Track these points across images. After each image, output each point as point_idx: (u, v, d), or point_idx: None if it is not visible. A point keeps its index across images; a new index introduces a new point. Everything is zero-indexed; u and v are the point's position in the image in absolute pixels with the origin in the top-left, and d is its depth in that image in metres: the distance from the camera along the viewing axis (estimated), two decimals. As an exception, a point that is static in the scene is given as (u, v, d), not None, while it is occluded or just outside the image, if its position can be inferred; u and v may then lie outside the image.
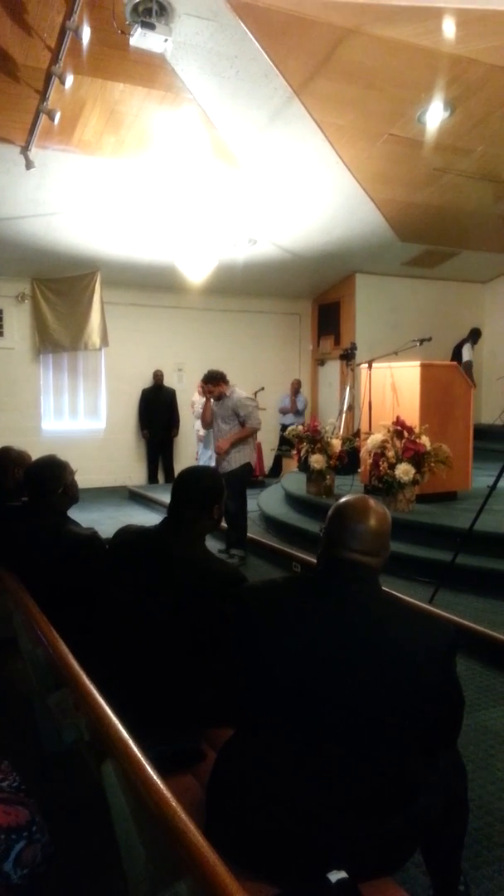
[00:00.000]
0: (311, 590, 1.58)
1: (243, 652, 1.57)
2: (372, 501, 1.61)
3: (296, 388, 10.35)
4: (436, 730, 1.53)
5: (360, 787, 1.41)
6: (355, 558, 1.53)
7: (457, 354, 9.72)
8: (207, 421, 5.96)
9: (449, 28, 4.70)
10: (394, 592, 2.10)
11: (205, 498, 2.08)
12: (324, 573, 1.59)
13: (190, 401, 9.50)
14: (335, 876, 1.35)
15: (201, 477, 2.18)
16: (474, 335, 9.95)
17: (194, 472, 2.25)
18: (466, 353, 9.67)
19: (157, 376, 9.73)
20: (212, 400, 5.74)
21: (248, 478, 5.89)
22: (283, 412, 10.26)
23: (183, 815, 1.15)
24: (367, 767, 1.41)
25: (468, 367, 9.34)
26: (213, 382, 5.63)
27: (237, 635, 1.61)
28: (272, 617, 1.54)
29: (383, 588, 1.58)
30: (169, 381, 9.89)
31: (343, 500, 1.64)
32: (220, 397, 5.66)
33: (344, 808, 1.39)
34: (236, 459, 5.61)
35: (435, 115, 5.88)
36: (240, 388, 5.81)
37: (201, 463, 7.70)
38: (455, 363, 6.70)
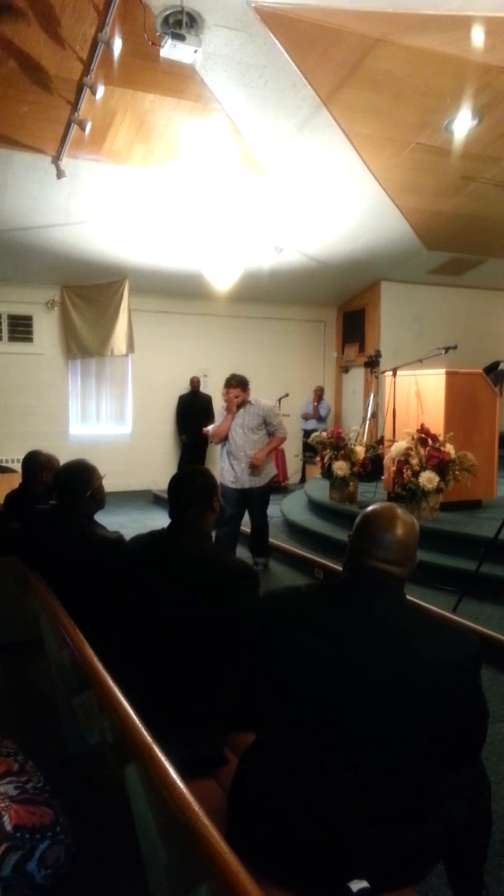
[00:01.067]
0: (335, 598, 1.57)
1: (265, 659, 1.57)
2: (399, 510, 1.59)
3: (318, 395, 10.40)
4: (459, 741, 1.51)
5: (383, 797, 1.40)
6: (381, 567, 1.52)
7: (493, 365, 9.62)
8: (223, 434, 5.32)
9: (477, 37, 4.68)
10: (418, 602, 2.08)
11: (204, 495, 2.16)
12: (349, 581, 1.58)
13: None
14: (356, 885, 1.34)
15: (194, 476, 2.26)
16: None
17: (187, 475, 2.32)
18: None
19: (194, 382, 9.73)
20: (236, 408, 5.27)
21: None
22: (306, 418, 10.34)
23: (205, 820, 1.15)
24: (390, 778, 1.40)
25: (501, 374, 9.23)
26: (243, 387, 5.22)
27: (259, 642, 1.60)
28: (295, 625, 1.54)
29: (407, 597, 1.57)
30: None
31: (370, 508, 1.63)
32: (243, 404, 5.33)
33: (366, 818, 1.38)
34: (267, 472, 5.44)
35: (463, 124, 5.85)
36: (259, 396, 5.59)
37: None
38: (481, 371, 6.63)
